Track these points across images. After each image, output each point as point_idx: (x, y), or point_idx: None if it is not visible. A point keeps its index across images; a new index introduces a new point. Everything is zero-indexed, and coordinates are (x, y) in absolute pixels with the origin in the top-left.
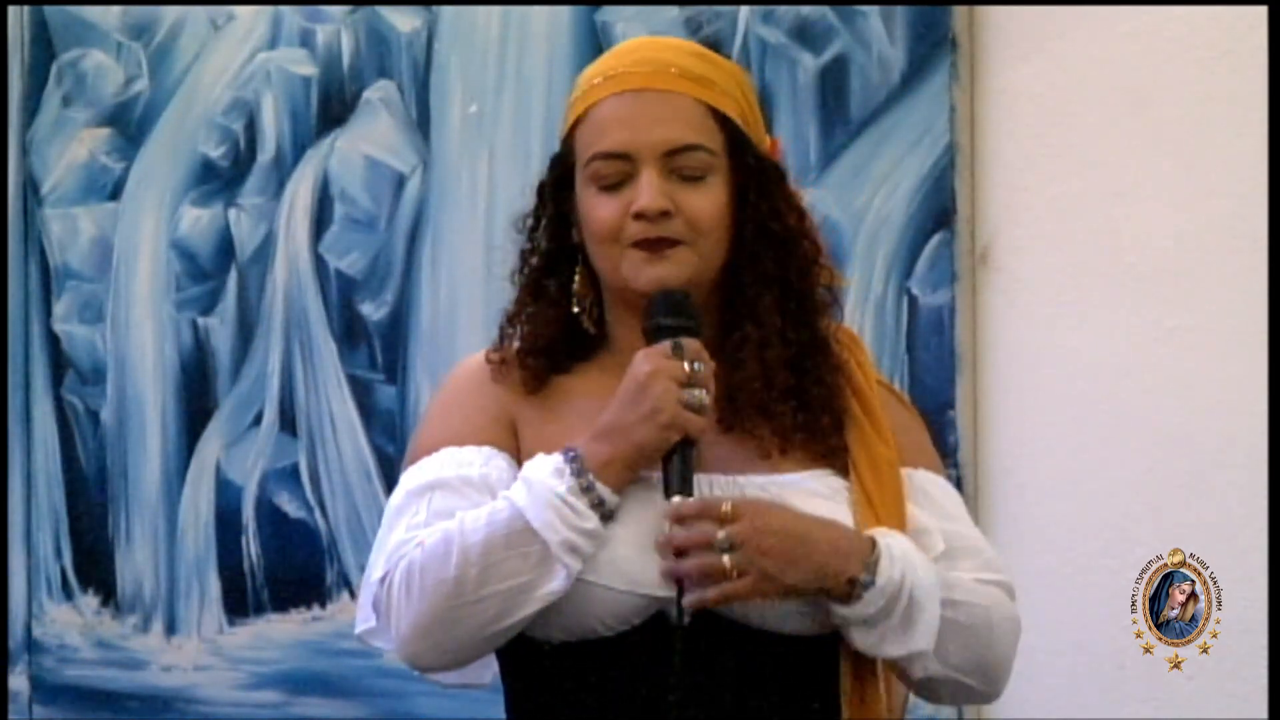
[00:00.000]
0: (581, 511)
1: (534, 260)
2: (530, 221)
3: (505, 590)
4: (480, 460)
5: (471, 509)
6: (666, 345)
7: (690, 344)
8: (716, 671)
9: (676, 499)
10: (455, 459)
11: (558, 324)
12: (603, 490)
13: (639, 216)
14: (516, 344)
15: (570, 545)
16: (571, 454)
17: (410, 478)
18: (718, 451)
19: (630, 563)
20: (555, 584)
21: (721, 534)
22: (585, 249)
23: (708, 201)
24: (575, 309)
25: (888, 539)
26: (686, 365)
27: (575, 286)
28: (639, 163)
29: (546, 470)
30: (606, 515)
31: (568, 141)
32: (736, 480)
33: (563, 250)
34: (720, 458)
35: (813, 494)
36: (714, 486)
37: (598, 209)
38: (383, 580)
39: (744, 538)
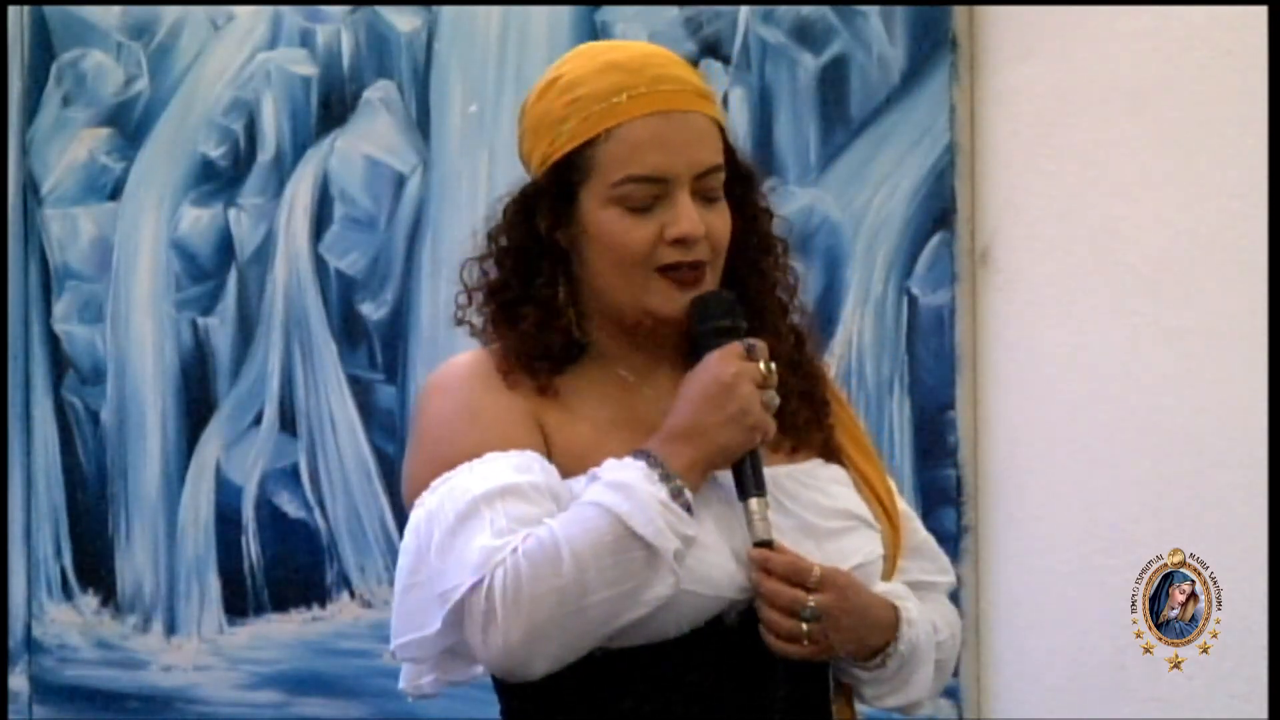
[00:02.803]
0: (683, 518)
1: (520, 266)
2: (518, 228)
3: (615, 595)
4: (538, 465)
5: (546, 515)
6: (739, 346)
7: (761, 345)
8: (767, 668)
9: (764, 551)
10: (512, 464)
11: (551, 330)
12: (689, 494)
13: (679, 242)
14: (513, 351)
15: (678, 552)
16: (653, 458)
17: (467, 483)
18: None
19: (713, 566)
20: (663, 588)
21: (811, 602)
22: (577, 260)
23: (724, 221)
24: (564, 320)
25: (903, 600)
26: (762, 366)
27: (559, 298)
28: (674, 186)
29: (637, 475)
30: None
31: (581, 155)
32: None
33: (553, 259)
34: None
35: (834, 480)
36: None
37: (628, 232)
38: (475, 588)
39: (826, 611)
